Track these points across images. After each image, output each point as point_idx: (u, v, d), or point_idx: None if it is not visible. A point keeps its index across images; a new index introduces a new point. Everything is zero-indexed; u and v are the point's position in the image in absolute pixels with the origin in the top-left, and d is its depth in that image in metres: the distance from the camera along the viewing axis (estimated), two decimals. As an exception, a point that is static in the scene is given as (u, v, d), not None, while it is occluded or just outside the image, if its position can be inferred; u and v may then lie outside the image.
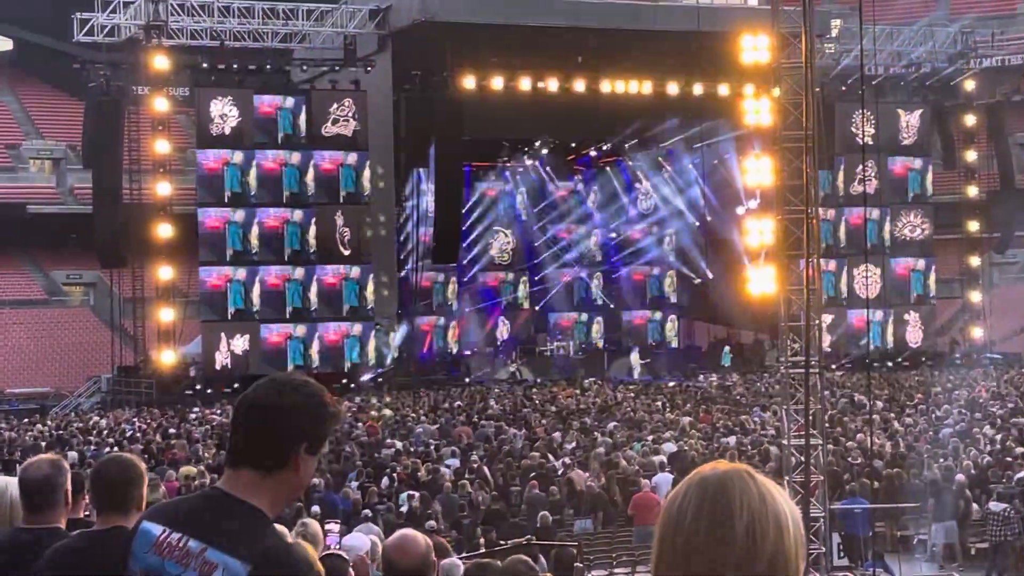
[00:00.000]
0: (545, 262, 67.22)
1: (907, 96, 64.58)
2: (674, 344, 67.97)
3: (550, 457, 29.36)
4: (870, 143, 58.24)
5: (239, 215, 53.08)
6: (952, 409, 37.40)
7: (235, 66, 54.08)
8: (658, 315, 68.49)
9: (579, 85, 56.78)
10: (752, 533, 2.70)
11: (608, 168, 67.54)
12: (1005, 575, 23.04)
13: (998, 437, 30.92)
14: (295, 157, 53.99)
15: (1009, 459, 26.91)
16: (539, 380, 57.37)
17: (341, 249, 54.59)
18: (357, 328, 54.75)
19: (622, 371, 60.74)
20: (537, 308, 66.53)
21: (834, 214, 59.86)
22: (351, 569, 8.94)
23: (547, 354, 63.06)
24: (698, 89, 57.38)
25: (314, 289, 54.19)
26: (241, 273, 53.09)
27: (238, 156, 53.13)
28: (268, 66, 55.29)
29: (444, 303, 63.61)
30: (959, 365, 60.08)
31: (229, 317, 52.97)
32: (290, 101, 54.47)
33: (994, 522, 22.81)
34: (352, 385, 53.10)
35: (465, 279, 64.62)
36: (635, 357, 61.33)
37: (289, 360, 52.98)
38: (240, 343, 52.77)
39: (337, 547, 10.97)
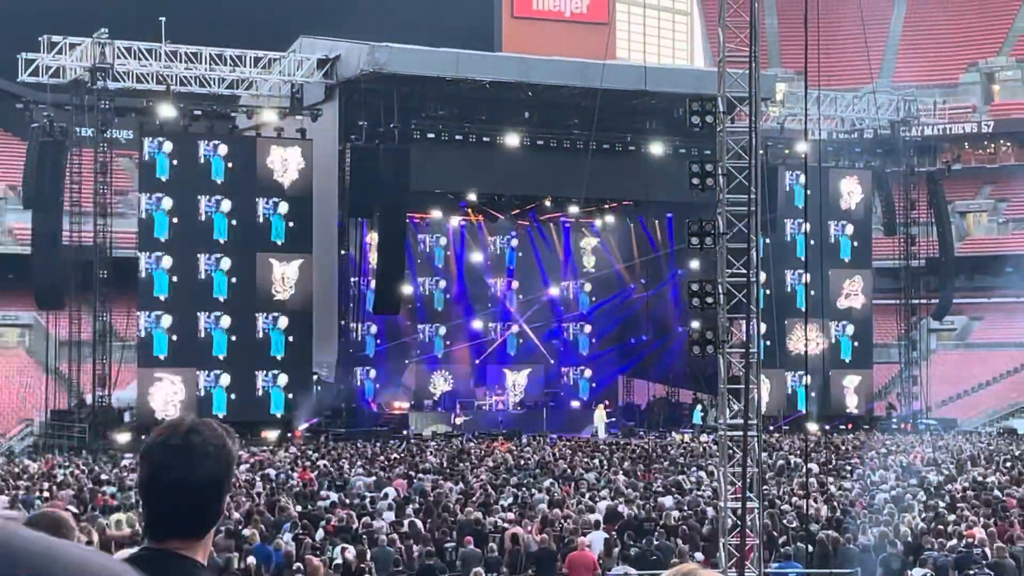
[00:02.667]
0: (485, 315, 67.24)
1: (849, 162, 65.26)
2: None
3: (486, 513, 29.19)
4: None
5: (178, 260, 52.63)
6: (888, 474, 37.53)
7: (180, 110, 53.87)
8: (589, 372, 68.71)
9: (526, 140, 57.05)
10: None
11: (551, 224, 67.79)
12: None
13: (932, 503, 31.05)
14: (237, 203, 53.67)
15: (941, 527, 26.98)
16: (477, 434, 57.26)
17: (279, 297, 54.28)
18: (290, 378, 54.26)
19: (586, 426, 60.82)
20: (477, 361, 66.45)
21: (772, 276, 60.14)
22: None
23: (485, 407, 62.97)
24: (644, 148, 57.85)
25: (249, 336, 53.76)
26: (170, 319, 52.54)
27: (179, 200, 52.74)
28: (213, 112, 55.08)
29: (383, 354, 63.40)
30: (895, 430, 60.49)
31: (161, 363, 52.47)
32: (235, 147, 54.21)
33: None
34: (288, 435, 52.74)
35: (405, 330, 64.50)
36: (599, 414, 61.13)
37: (217, 408, 52.48)
38: (172, 389, 52.26)
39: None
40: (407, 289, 61.26)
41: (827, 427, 59.76)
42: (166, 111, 53.34)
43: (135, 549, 3.82)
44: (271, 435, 52.01)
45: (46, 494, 31.47)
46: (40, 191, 53.53)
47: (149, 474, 3.66)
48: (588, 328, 69.36)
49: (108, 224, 52.85)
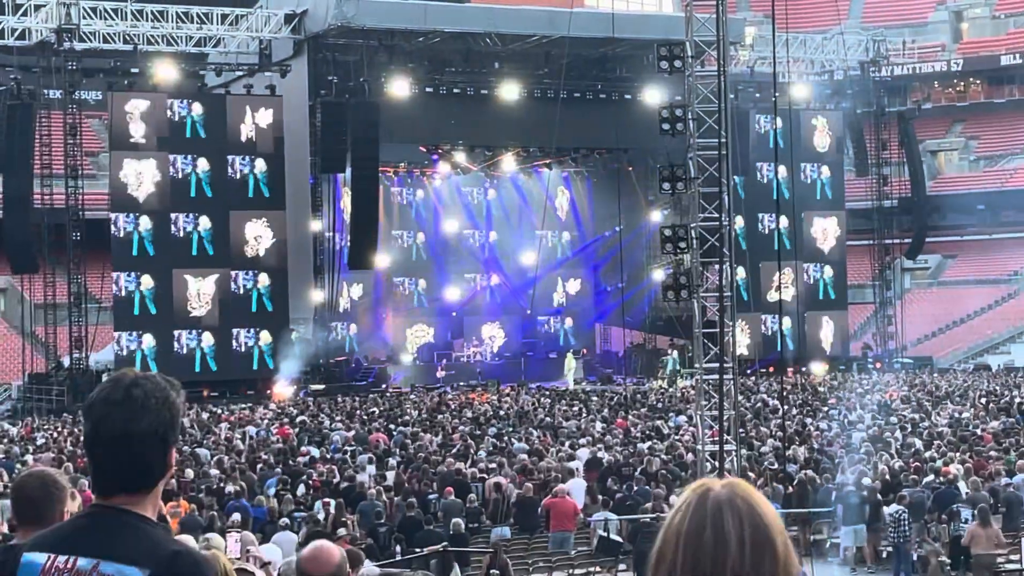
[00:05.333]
0: (461, 268, 67.28)
1: (820, 103, 65.29)
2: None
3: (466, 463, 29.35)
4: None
5: (152, 221, 52.49)
6: (864, 413, 37.82)
7: (148, 70, 53.58)
8: (568, 322, 68.93)
9: (497, 91, 56.99)
10: (787, 551, 2.77)
11: (525, 174, 67.77)
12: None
13: (909, 441, 31.33)
14: (209, 162, 53.50)
15: (918, 463, 27.25)
16: (456, 385, 57.44)
17: (255, 255, 54.24)
18: (270, 335, 54.33)
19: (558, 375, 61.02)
20: (454, 314, 66.52)
21: (746, 221, 60.25)
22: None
23: (464, 359, 63.10)
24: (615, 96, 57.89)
25: (225, 295, 53.74)
26: (150, 280, 52.48)
27: (151, 161, 52.58)
28: (181, 70, 54.79)
29: (361, 309, 63.43)
30: (871, 369, 60.84)
31: (138, 324, 52.42)
32: (204, 106, 53.98)
33: (891, 525, 23.13)
34: (268, 392, 52.85)
35: (383, 284, 64.51)
36: (569, 363, 61.24)
37: (198, 366, 52.56)
38: (150, 349, 52.25)
39: (238, 557, 10.88)
40: (383, 243, 61.16)
41: (804, 368, 60.05)
42: (164, 71, 53.14)
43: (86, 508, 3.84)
44: (285, 392, 52.25)
45: (28, 457, 31.52)
46: (10, 154, 53.17)
47: (91, 428, 3.69)
48: (565, 276, 69.46)
49: (80, 186, 52.64)
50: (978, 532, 21.36)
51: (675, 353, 60.49)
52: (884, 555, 24.21)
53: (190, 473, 27.21)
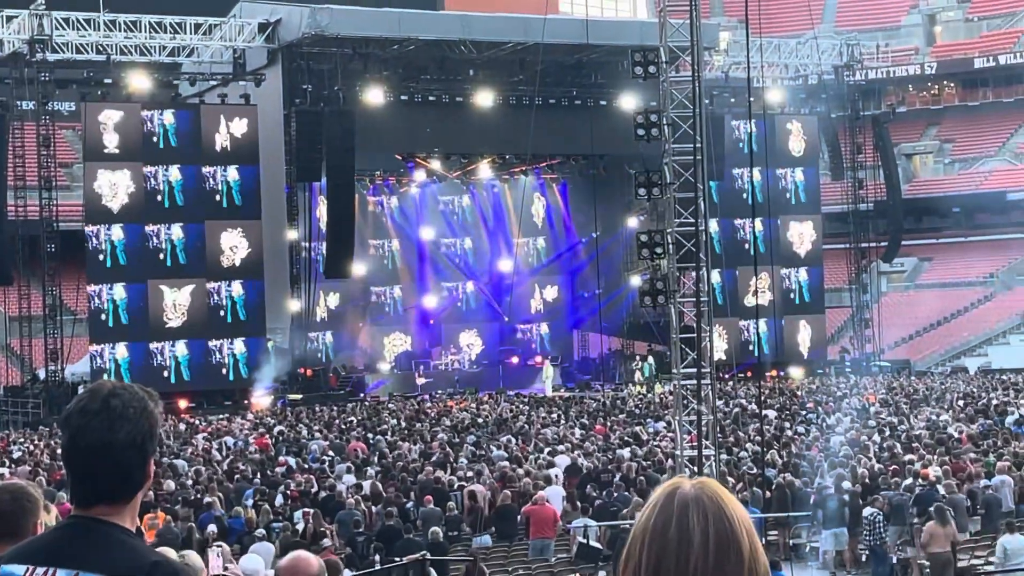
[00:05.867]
0: (438, 275, 67.25)
1: (794, 108, 65.41)
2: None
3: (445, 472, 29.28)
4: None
5: (126, 232, 52.28)
6: (843, 417, 37.86)
7: (122, 80, 53.40)
8: (545, 328, 68.89)
9: (472, 99, 56.99)
10: (753, 551, 2.73)
11: (501, 181, 67.77)
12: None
13: (888, 444, 31.37)
14: (184, 172, 53.32)
15: (896, 467, 27.28)
16: (435, 393, 57.34)
17: (230, 264, 54.08)
18: (246, 345, 54.14)
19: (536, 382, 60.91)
20: (432, 321, 66.45)
21: (722, 225, 60.29)
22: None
23: (442, 367, 63.02)
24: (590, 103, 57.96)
25: (201, 305, 53.56)
26: (123, 291, 52.22)
27: (125, 171, 52.35)
28: (155, 80, 54.62)
29: (337, 318, 63.32)
30: (849, 373, 60.92)
31: (114, 335, 52.16)
32: (179, 116, 53.82)
33: (866, 528, 23.17)
34: (245, 402, 52.68)
35: (359, 293, 64.41)
36: (547, 371, 61.11)
37: (174, 377, 52.37)
38: (125, 360, 52.00)
39: (224, 571, 10.81)
40: (358, 251, 61.04)
41: (781, 373, 60.09)
42: (138, 81, 53.03)
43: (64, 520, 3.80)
44: (263, 402, 52.15)
45: (4, 470, 31.33)
46: (-17, 167, 52.96)
47: (69, 439, 3.66)
48: (541, 284, 69.45)
49: (54, 197, 52.41)
50: (936, 531, 21.33)
51: (650, 359, 60.50)
52: (863, 558, 24.22)
53: (170, 485, 27.07)
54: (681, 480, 2.83)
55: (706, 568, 2.69)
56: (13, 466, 32.57)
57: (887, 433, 33.82)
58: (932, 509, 21.73)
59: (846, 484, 24.88)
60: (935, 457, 28.20)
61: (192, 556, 10.46)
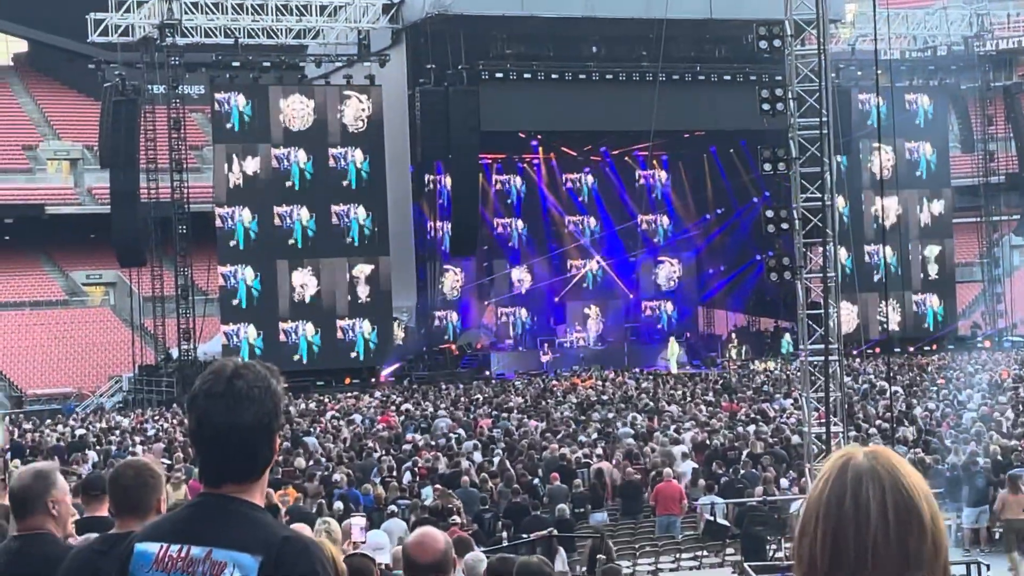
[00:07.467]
0: (562, 252, 67.20)
1: (923, 80, 64.32)
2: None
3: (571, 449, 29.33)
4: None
5: (256, 212, 53.04)
6: (974, 393, 37.26)
7: (249, 63, 54.08)
8: (670, 306, 68.49)
9: (595, 75, 56.78)
10: (935, 520, 2.64)
11: (624, 158, 67.48)
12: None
13: (1022, 420, 30.82)
14: (311, 153, 53.93)
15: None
16: (558, 371, 57.40)
17: (356, 244, 54.59)
18: (372, 324, 54.64)
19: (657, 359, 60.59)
20: (556, 299, 66.48)
21: (850, 200, 59.54)
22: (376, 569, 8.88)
23: (567, 344, 63.05)
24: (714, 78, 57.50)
25: (328, 285, 54.16)
26: (252, 271, 52.99)
27: (254, 153, 53.15)
28: (282, 62, 55.22)
29: (463, 296, 63.62)
30: (981, 348, 59.93)
31: (244, 315, 52.97)
32: (304, 97, 54.42)
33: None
34: (372, 380, 53.20)
35: (483, 271, 64.63)
36: (672, 348, 60.60)
37: (303, 355, 53.02)
38: (256, 340, 52.76)
39: (363, 541, 10.91)
40: (484, 230, 61.26)
41: (912, 348, 59.24)
42: (236, 64, 53.78)
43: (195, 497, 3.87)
44: (389, 380, 52.80)
45: (138, 448, 32.01)
46: (116, 150, 54.04)
47: (195, 422, 3.72)
48: (666, 260, 69.12)
49: (184, 179, 53.30)
50: (1008, 499, 21.86)
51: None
52: (997, 536, 23.84)
53: (300, 462, 27.42)
54: (853, 450, 2.72)
55: (887, 542, 2.60)
56: (148, 443, 33.27)
57: (1021, 409, 33.22)
58: (1007, 476, 21.89)
59: (981, 461, 24.51)
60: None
61: (333, 523, 10.62)
